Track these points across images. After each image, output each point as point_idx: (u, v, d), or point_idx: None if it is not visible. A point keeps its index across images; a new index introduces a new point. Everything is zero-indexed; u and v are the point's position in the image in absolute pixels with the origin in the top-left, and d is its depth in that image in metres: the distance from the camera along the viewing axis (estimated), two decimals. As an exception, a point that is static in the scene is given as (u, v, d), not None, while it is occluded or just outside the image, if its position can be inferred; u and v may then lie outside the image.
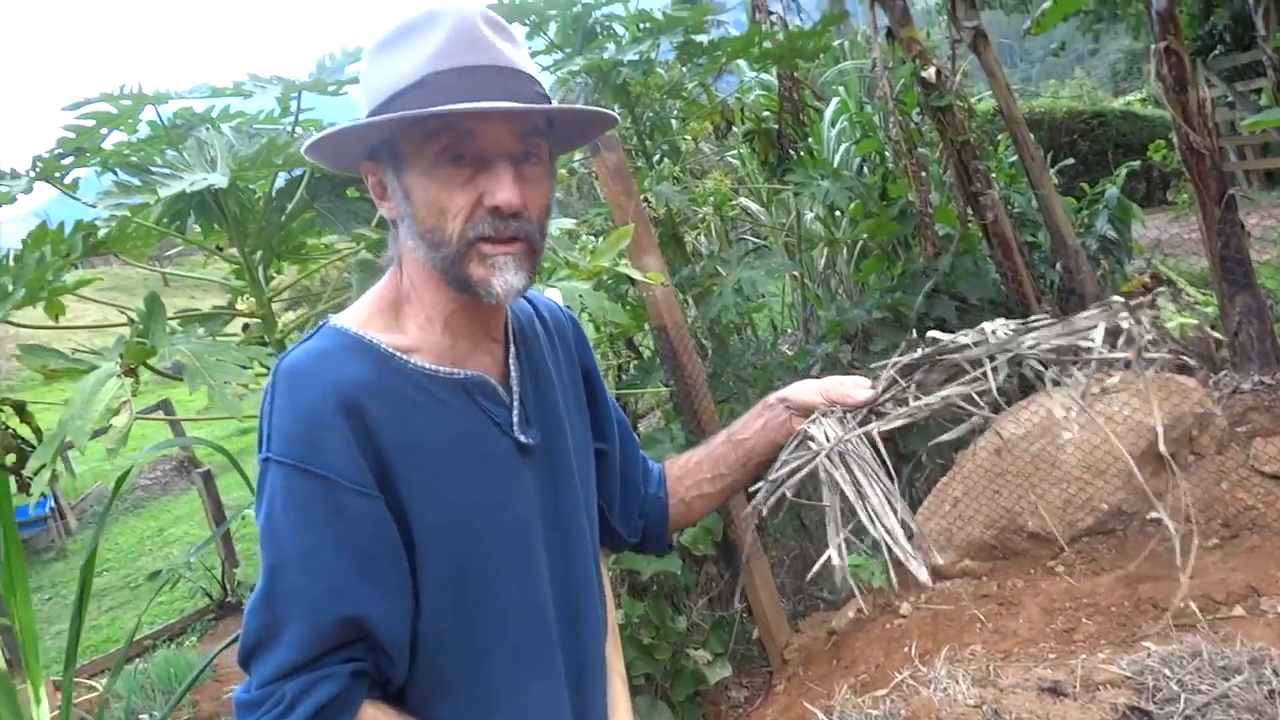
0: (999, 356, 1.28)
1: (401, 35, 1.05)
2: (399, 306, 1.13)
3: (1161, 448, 1.38)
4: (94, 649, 7.16)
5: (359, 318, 1.12)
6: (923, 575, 1.19)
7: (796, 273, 5.52)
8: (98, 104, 2.26)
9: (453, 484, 1.08)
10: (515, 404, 1.16)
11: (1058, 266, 4.87)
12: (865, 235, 5.09)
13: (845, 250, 5.73)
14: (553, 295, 1.57)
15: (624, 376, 4.61)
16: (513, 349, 1.20)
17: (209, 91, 2.46)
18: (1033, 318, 1.35)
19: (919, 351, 1.34)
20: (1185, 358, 1.39)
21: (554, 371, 1.25)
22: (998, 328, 1.34)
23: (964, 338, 1.33)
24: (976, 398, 1.28)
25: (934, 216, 4.67)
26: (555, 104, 1.09)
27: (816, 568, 1.30)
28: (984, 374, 1.28)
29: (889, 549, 1.19)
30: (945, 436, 1.34)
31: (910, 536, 1.21)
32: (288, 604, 0.99)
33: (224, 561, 7.22)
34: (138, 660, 5.76)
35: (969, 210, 4.72)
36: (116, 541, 10.79)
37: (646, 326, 3.80)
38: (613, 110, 4.47)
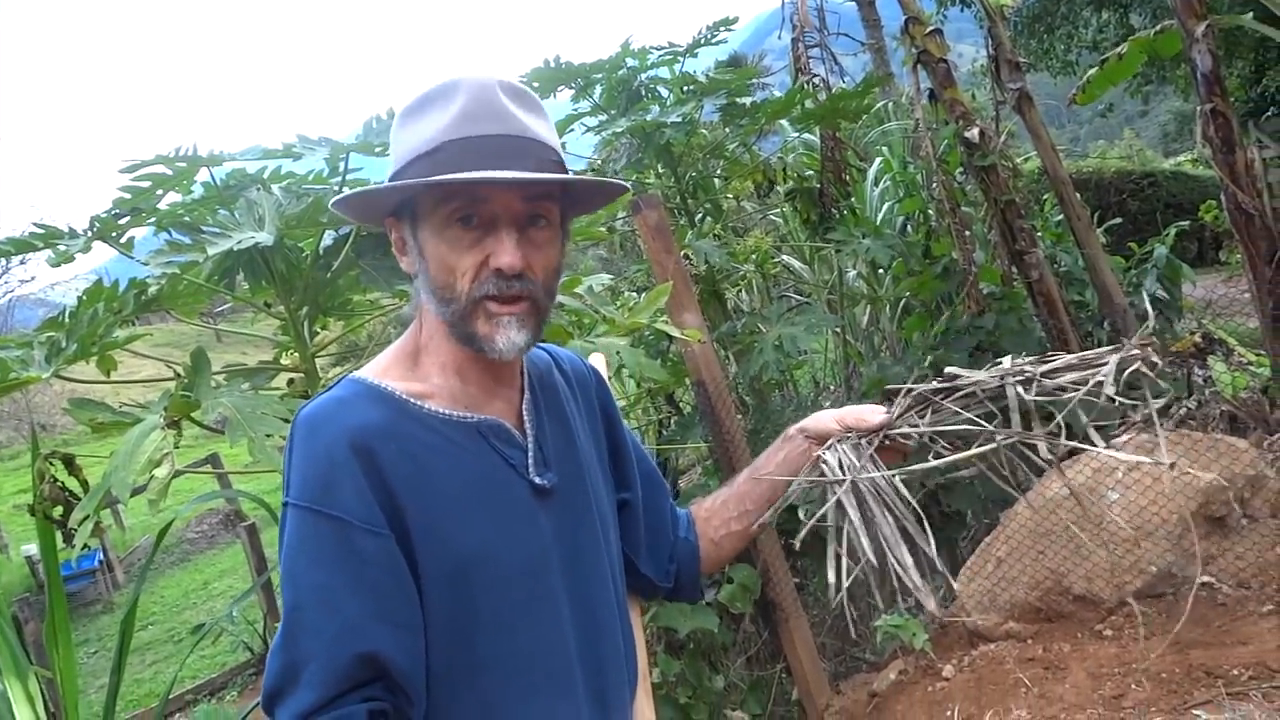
0: (1013, 385, 1.27)
1: (424, 104, 1.12)
2: (417, 357, 1.18)
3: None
4: (136, 703, 7.21)
5: (377, 369, 1.17)
6: (930, 605, 1.19)
7: (838, 329, 5.50)
8: (154, 166, 2.35)
9: (464, 524, 1.10)
10: (530, 446, 1.19)
11: (1105, 325, 4.80)
12: (908, 293, 5.07)
13: (888, 308, 5.71)
14: (596, 359, 1.59)
15: (664, 432, 4.61)
16: (528, 394, 1.23)
17: (260, 153, 2.54)
18: (1050, 355, 1.35)
19: (934, 382, 1.34)
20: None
21: (573, 418, 1.28)
22: (1016, 364, 1.33)
23: (981, 374, 1.32)
24: (987, 423, 1.27)
25: (978, 275, 4.64)
26: (569, 174, 1.15)
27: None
28: (1006, 399, 1.27)
29: (898, 578, 1.18)
30: (962, 458, 1.30)
31: (930, 570, 1.20)
32: (306, 645, 1.01)
33: (265, 615, 7.25)
34: (178, 715, 5.78)
35: (1013, 269, 4.68)
36: (162, 595, 10.91)
37: (688, 382, 3.81)
38: (655, 168, 4.54)
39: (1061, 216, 5.21)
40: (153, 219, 2.46)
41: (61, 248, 2.30)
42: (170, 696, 6.74)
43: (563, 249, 1.19)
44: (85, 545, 2.10)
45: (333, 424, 1.07)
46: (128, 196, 2.34)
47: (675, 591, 1.45)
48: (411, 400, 1.12)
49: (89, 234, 2.33)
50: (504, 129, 1.09)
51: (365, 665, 1.00)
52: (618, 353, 2.62)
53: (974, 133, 4.61)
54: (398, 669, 1.02)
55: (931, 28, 4.82)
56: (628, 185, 1.19)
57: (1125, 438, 3.11)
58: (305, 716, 0.98)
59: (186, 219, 2.47)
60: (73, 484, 2.28)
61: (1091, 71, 5.28)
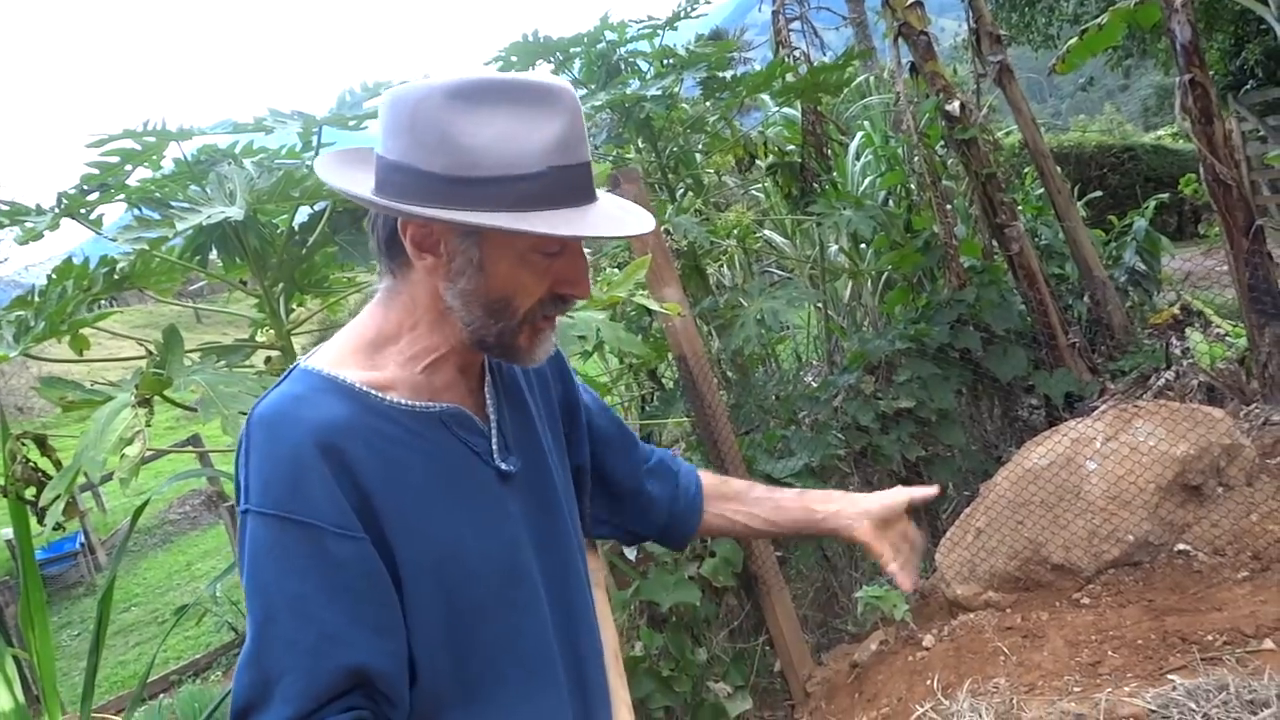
0: None
1: (508, 97, 1.01)
2: (380, 346, 1.11)
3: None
4: (121, 684, 7.20)
5: (332, 359, 1.10)
6: None
7: (820, 304, 5.50)
8: (122, 140, 2.31)
9: (437, 517, 1.06)
10: (493, 433, 1.16)
11: (1085, 298, 4.83)
12: (890, 267, 5.07)
13: (870, 282, 5.71)
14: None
15: (647, 408, 4.60)
16: (488, 378, 1.20)
17: (231, 127, 2.51)
18: None
19: None
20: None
21: (530, 396, 1.25)
22: None
23: None
24: None
25: (959, 248, 4.64)
26: (650, 221, 1.11)
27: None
28: None
29: None
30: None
31: None
32: (280, 658, 0.96)
33: (250, 596, 7.23)
34: (163, 695, 5.77)
35: (994, 242, 4.69)
36: (145, 577, 10.87)
37: (670, 357, 3.80)
38: (635, 143, 4.52)
39: (1042, 190, 5.22)
40: (122, 195, 2.43)
41: (28, 225, 2.26)
42: (155, 677, 6.74)
43: None
44: (60, 526, 2.08)
45: (294, 423, 1.01)
46: (96, 172, 2.30)
47: (663, 539, 1.46)
48: (372, 392, 1.07)
49: (56, 211, 2.29)
50: (586, 155, 1.05)
51: (347, 676, 0.97)
52: (596, 327, 2.61)
53: (955, 106, 4.61)
54: (379, 675, 0.99)
55: (912, 1, 4.80)
56: (649, 228, 1.13)
57: (1102, 407, 3.13)
58: None
59: (157, 195, 2.44)
60: (46, 464, 2.25)
61: (1072, 41, 5.28)
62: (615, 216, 1.07)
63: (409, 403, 1.08)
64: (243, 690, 0.97)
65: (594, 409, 1.40)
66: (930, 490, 1.45)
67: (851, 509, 1.41)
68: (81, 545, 11.34)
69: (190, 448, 7.86)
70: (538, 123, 1.00)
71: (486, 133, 0.99)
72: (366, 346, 1.11)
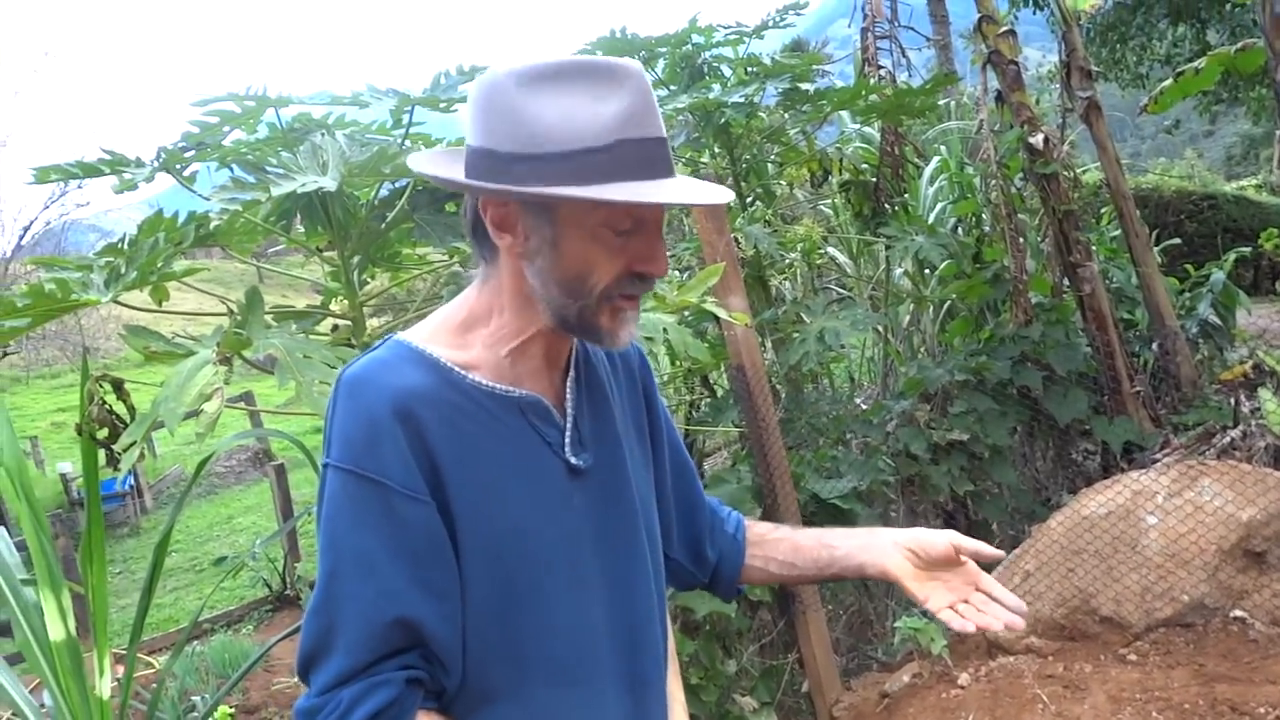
0: None
1: (575, 77, 1.03)
2: (470, 327, 1.15)
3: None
4: (154, 627, 7.35)
5: (424, 334, 1.15)
6: None
7: (880, 327, 5.45)
8: (224, 102, 2.37)
9: (499, 500, 1.09)
10: (568, 426, 1.17)
11: (1154, 346, 4.74)
12: (955, 295, 5.02)
13: (932, 309, 5.66)
14: None
15: (695, 413, 4.60)
16: (572, 372, 1.21)
17: (328, 99, 2.56)
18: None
19: None
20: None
21: (614, 398, 1.26)
22: None
23: None
24: None
25: (1028, 284, 4.58)
26: (727, 194, 1.12)
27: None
28: None
29: None
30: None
31: None
32: (342, 607, 1.01)
33: (287, 555, 7.35)
34: (195, 642, 5.89)
35: (1065, 280, 4.62)
36: (187, 524, 11.09)
37: (723, 365, 3.80)
38: (711, 148, 4.51)
39: (1118, 232, 5.13)
40: (216, 155, 2.49)
41: (126, 176, 2.32)
42: (188, 625, 6.88)
43: None
44: (131, 468, 2.14)
45: (376, 386, 1.06)
46: (196, 131, 2.36)
47: (712, 585, 1.43)
48: (455, 369, 1.11)
49: (155, 164, 2.36)
50: (660, 130, 1.05)
51: (403, 631, 1.01)
52: (664, 329, 2.62)
53: (1039, 139, 4.54)
54: (434, 636, 1.03)
55: (1005, 28, 4.74)
56: (727, 198, 1.14)
57: (1167, 461, 3.07)
58: (341, 682, 0.99)
59: (250, 158, 2.50)
60: (120, 408, 2.32)
61: (1166, 83, 5.18)
62: (689, 189, 1.08)
63: (489, 384, 1.12)
64: (309, 637, 1.03)
65: (675, 444, 1.40)
66: (990, 550, 1.26)
67: (876, 543, 1.30)
68: (130, 487, 11.62)
69: (243, 405, 8.01)
70: (604, 98, 1.02)
71: (552, 111, 1.01)
72: (458, 326, 1.15)
